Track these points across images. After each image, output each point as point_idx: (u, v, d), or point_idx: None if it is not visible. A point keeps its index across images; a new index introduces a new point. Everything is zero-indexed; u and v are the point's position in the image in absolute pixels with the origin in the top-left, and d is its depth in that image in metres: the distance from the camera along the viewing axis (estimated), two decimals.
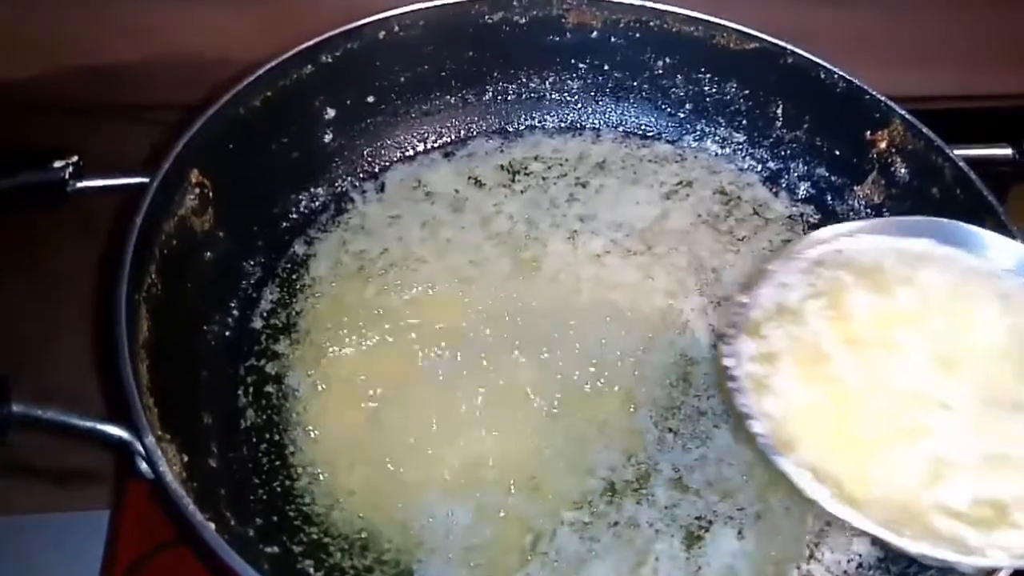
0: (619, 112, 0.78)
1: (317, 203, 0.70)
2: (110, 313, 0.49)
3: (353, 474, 0.55)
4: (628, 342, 0.63)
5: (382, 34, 0.70)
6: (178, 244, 0.58)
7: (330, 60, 0.68)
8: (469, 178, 0.73)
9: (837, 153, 0.72)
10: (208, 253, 0.61)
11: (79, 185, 0.57)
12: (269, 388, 0.59)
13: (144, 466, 0.46)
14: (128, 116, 0.74)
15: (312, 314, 0.63)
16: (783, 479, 0.55)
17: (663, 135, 0.77)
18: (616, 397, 0.60)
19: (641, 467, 0.56)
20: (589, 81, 0.77)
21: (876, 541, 0.53)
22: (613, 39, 0.75)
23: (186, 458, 0.49)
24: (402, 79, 0.73)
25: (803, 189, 0.74)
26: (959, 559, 0.41)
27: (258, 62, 0.64)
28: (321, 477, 0.55)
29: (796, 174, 0.74)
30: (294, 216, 0.69)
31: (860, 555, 0.53)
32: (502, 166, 0.74)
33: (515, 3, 0.72)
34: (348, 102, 0.71)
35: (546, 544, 0.52)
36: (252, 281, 0.64)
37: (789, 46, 0.71)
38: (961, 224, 0.55)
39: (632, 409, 0.59)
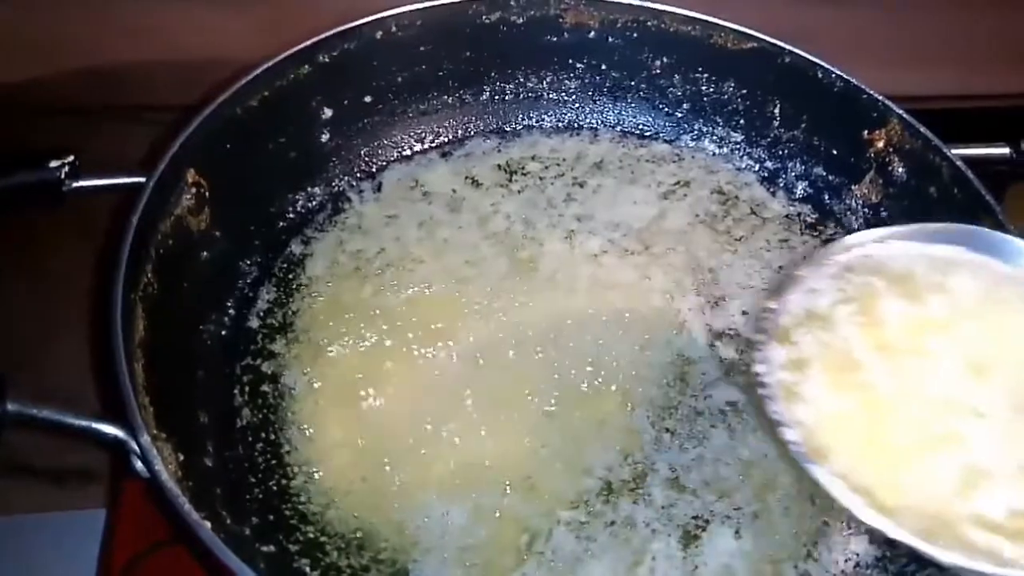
0: (616, 112, 0.78)
1: (314, 203, 0.70)
2: (106, 313, 0.49)
3: (349, 473, 0.55)
4: (625, 342, 0.63)
5: (379, 34, 0.70)
6: (174, 244, 0.58)
7: (327, 60, 0.68)
8: (466, 178, 0.73)
9: (835, 152, 0.72)
10: (204, 253, 0.61)
11: (75, 185, 0.57)
12: (265, 387, 0.59)
13: (139, 465, 0.46)
14: (126, 117, 0.74)
15: (309, 314, 0.63)
16: (780, 480, 0.55)
17: (661, 135, 0.77)
18: (613, 397, 0.60)
19: (638, 467, 0.56)
20: (586, 81, 0.77)
21: (874, 540, 0.54)
22: (610, 39, 0.75)
23: (182, 457, 0.49)
24: (399, 79, 0.73)
25: (801, 189, 0.74)
26: (995, 571, 0.40)
27: (257, 63, 0.64)
28: (317, 476, 0.55)
29: (794, 174, 0.74)
30: (291, 216, 0.69)
31: (858, 554, 0.53)
32: (499, 166, 0.74)
33: (512, 3, 0.72)
34: (345, 102, 0.71)
35: (542, 544, 0.52)
36: (248, 280, 0.64)
37: (787, 46, 0.71)
38: (993, 231, 0.54)
39: (629, 408, 0.59)
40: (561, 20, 0.74)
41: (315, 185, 0.70)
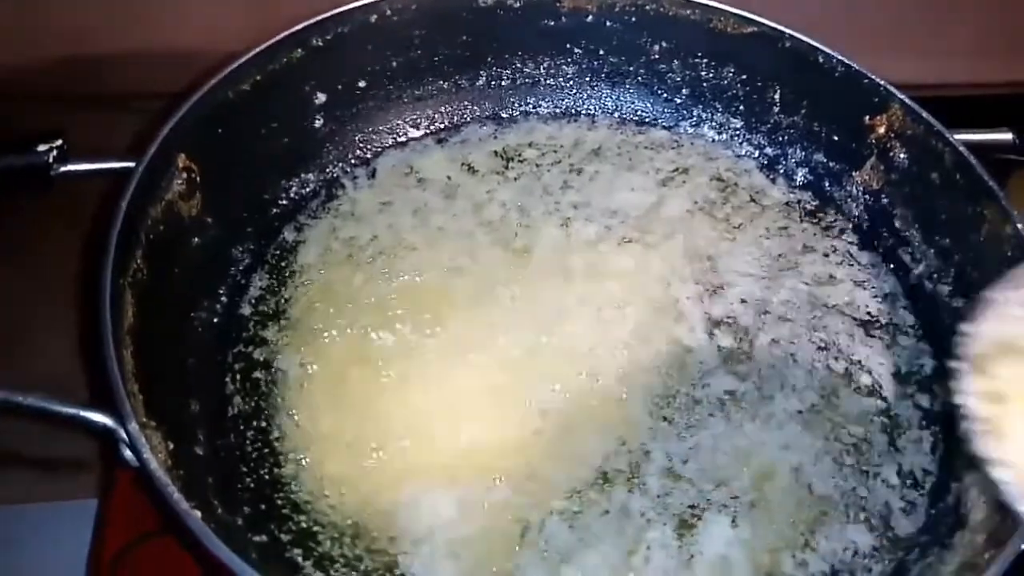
0: (615, 98, 0.77)
1: (307, 189, 0.69)
2: (94, 298, 0.49)
3: (342, 463, 0.54)
4: (622, 330, 0.62)
5: (374, 18, 0.69)
6: (165, 229, 0.57)
7: (320, 44, 0.67)
8: (462, 164, 0.72)
9: (835, 139, 0.71)
10: (196, 239, 0.60)
11: (63, 169, 0.57)
12: (257, 375, 0.58)
13: (128, 453, 0.45)
14: (114, 105, 0.73)
15: (301, 301, 0.62)
16: (778, 469, 0.54)
17: (659, 121, 0.76)
18: (609, 386, 0.59)
19: (634, 456, 0.55)
20: (584, 66, 0.76)
21: (872, 529, 0.53)
22: (609, 23, 0.74)
23: (172, 446, 0.48)
24: (394, 64, 0.72)
25: (801, 175, 0.73)
26: None
27: (247, 50, 0.63)
28: (310, 465, 0.54)
29: (794, 160, 0.73)
30: (284, 202, 0.68)
31: (855, 543, 0.53)
32: (496, 152, 0.73)
33: None
34: (339, 87, 0.70)
35: (536, 534, 0.52)
36: (241, 267, 0.63)
37: (787, 30, 0.70)
38: None
39: (625, 397, 0.58)
40: (559, 4, 0.73)
41: (308, 171, 0.69)
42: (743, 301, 0.64)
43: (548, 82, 0.76)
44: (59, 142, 0.57)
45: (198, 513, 0.43)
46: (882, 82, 0.67)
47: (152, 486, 0.43)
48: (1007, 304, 0.47)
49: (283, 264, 0.64)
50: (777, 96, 0.73)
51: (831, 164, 0.72)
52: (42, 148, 0.56)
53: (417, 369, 0.59)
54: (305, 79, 0.68)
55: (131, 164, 0.56)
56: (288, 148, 0.68)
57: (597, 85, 0.77)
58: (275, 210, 0.67)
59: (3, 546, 0.62)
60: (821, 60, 0.69)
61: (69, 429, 0.47)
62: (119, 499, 0.59)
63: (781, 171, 0.73)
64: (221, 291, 0.61)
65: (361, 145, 0.72)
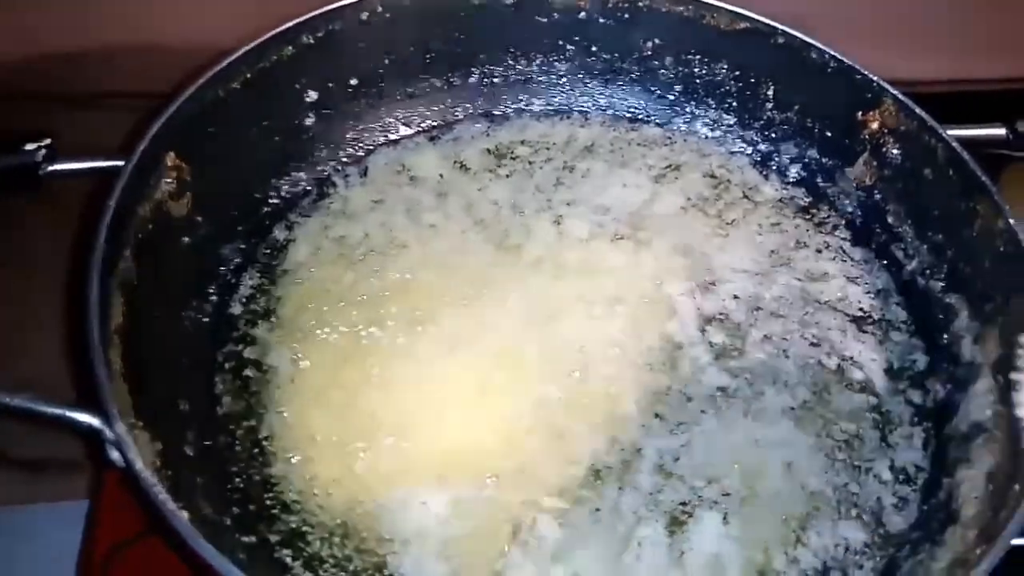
0: (608, 95, 0.77)
1: (299, 187, 0.69)
2: (81, 297, 0.48)
3: (332, 462, 0.54)
4: (614, 327, 0.62)
5: (365, 15, 0.69)
6: (154, 228, 0.57)
7: (312, 41, 0.67)
8: (454, 162, 0.72)
9: (828, 135, 0.71)
10: (186, 238, 0.60)
11: (51, 168, 0.56)
12: (247, 374, 0.58)
13: (115, 454, 0.45)
14: (106, 104, 0.73)
15: (292, 300, 0.62)
16: (769, 465, 0.54)
17: (652, 118, 0.76)
18: (601, 383, 0.59)
19: (625, 453, 0.55)
20: (577, 63, 0.76)
21: (864, 526, 0.53)
22: (601, 20, 0.74)
23: (160, 446, 0.48)
24: (386, 61, 0.72)
25: (794, 172, 0.73)
26: None
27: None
28: (300, 465, 0.54)
29: (787, 156, 0.73)
30: (275, 201, 0.68)
31: (847, 539, 0.53)
32: (488, 150, 0.73)
33: None
34: (331, 85, 0.70)
35: (526, 533, 0.51)
36: (231, 266, 0.63)
37: (780, 26, 0.70)
38: None
39: (617, 394, 0.58)
40: (551, 1, 0.72)
41: (300, 170, 0.69)
42: (735, 297, 0.64)
43: (540, 79, 0.76)
44: (48, 141, 0.57)
45: (185, 514, 0.43)
46: (875, 78, 0.67)
47: (138, 487, 0.43)
48: None
49: (274, 263, 0.64)
50: (770, 92, 0.73)
51: (824, 160, 0.71)
52: (30, 147, 0.56)
53: (408, 367, 0.59)
54: (296, 77, 0.68)
55: (120, 163, 0.56)
56: (279, 146, 0.68)
57: (590, 82, 0.76)
58: (266, 209, 0.67)
59: None
60: (814, 56, 0.69)
61: (56, 430, 0.46)
62: (109, 500, 0.59)
63: (774, 167, 0.73)
64: (211, 290, 0.61)
65: (353, 143, 0.72)
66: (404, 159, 0.72)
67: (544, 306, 0.63)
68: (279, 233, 0.66)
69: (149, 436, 0.48)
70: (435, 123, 0.74)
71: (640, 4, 0.72)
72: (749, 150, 0.74)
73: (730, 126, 0.75)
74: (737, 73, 0.73)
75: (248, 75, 0.64)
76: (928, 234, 0.65)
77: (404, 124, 0.73)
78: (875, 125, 0.68)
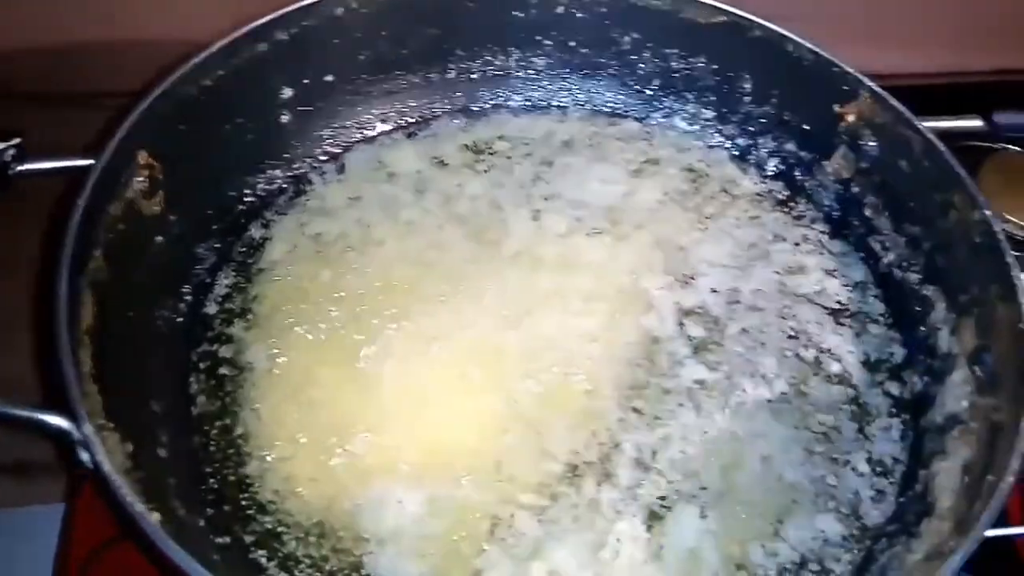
0: (586, 90, 0.76)
1: (274, 185, 0.68)
2: (50, 297, 0.48)
3: (308, 461, 0.54)
4: (592, 322, 0.62)
5: (339, 11, 0.68)
6: (126, 228, 0.56)
7: (286, 38, 0.66)
8: (432, 158, 0.71)
9: (806, 128, 0.71)
10: (159, 237, 0.59)
11: (21, 168, 0.56)
12: (222, 373, 0.57)
13: (85, 456, 0.44)
14: (77, 102, 0.72)
15: (268, 298, 0.62)
16: (747, 458, 0.54)
17: (631, 113, 0.76)
18: (579, 378, 0.59)
19: (603, 448, 0.55)
20: (555, 58, 0.76)
21: (841, 518, 0.53)
22: (579, 14, 0.73)
23: (131, 447, 0.47)
24: (361, 57, 0.71)
25: (772, 165, 0.73)
26: None
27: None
28: (275, 465, 0.53)
29: (765, 150, 0.73)
30: (250, 199, 0.67)
31: (825, 532, 0.53)
32: (466, 146, 0.72)
33: None
34: (306, 81, 0.69)
35: (504, 530, 0.51)
36: (206, 266, 0.62)
37: (757, 19, 0.70)
38: None
39: (595, 389, 0.58)
40: None
41: (275, 167, 0.69)
42: (713, 291, 0.64)
43: (519, 75, 0.76)
44: (17, 141, 0.56)
45: (156, 515, 0.42)
46: (851, 70, 0.67)
47: (107, 489, 0.42)
48: None
49: (250, 261, 0.64)
50: (748, 86, 0.73)
51: (802, 153, 0.72)
52: (0, 147, 0.55)
53: (385, 365, 0.58)
54: (270, 74, 0.67)
55: (91, 162, 0.55)
56: (254, 144, 0.67)
57: (568, 77, 0.76)
58: (241, 207, 0.66)
59: None
60: (791, 49, 0.69)
61: (27, 433, 0.46)
62: (85, 504, 0.58)
63: (752, 161, 0.73)
64: (185, 290, 0.61)
65: (329, 140, 0.71)
66: (381, 155, 0.71)
67: (522, 301, 0.63)
68: (255, 231, 0.65)
69: (119, 437, 0.47)
70: (412, 119, 0.74)
71: None
72: (727, 144, 0.74)
73: (708, 120, 0.74)
74: (715, 67, 0.73)
75: (221, 72, 0.63)
76: (905, 226, 0.65)
77: (381, 120, 0.73)
78: (852, 118, 0.68)
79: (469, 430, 0.56)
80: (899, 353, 0.62)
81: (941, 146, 0.62)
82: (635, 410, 0.57)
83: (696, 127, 0.75)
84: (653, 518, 0.52)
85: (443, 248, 0.65)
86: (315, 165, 0.70)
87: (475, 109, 0.75)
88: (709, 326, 0.62)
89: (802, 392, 0.59)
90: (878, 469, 0.56)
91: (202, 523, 0.49)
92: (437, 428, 0.56)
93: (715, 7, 0.70)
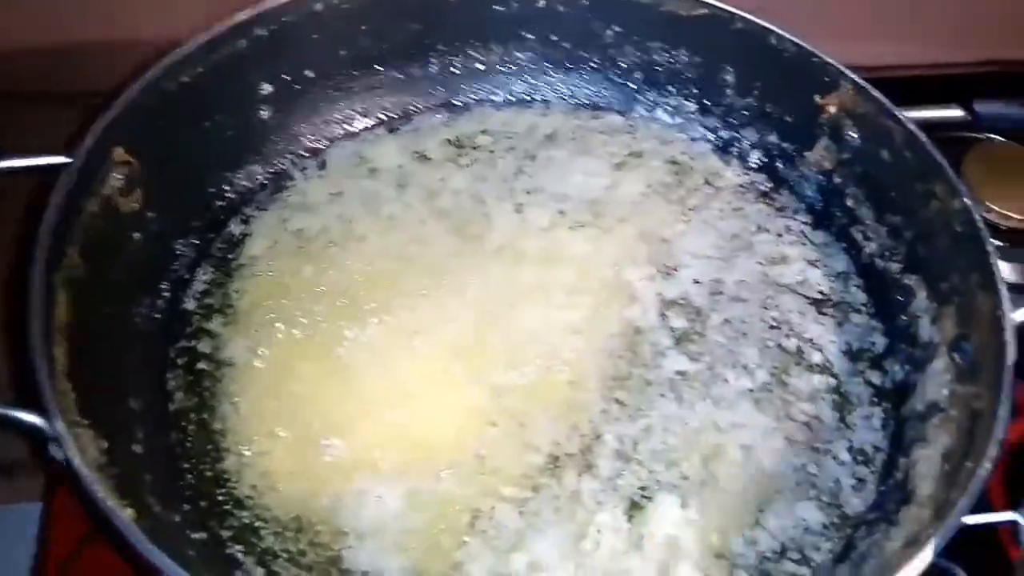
0: (569, 83, 0.76)
1: (255, 182, 0.68)
2: (23, 293, 0.47)
3: (287, 457, 0.53)
4: (574, 314, 0.61)
5: (319, 6, 0.68)
6: (103, 224, 0.56)
7: (265, 34, 0.66)
8: (414, 153, 0.71)
9: (788, 119, 0.71)
10: (136, 234, 0.59)
11: None
12: (201, 369, 0.57)
13: (59, 453, 0.44)
14: (54, 100, 0.72)
15: (248, 294, 0.61)
16: (728, 448, 0.54)
17: (614, 106, 0.76)
18: (562, 370, 0.58)
19: (585, 439, 0.55)
20: (537, 52, 0.75)
21: (821, 506, 0.53)
22: (560, 8, 0.73)
23: (105, 444, 0.47)
24: (342, 53, 0.71)
25: (755, 157, 0.72)
26: None
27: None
28: (254, 460, 0.53)
29: (748, 142, 0.73)
30: (230, 195, 0.67)
31: (805, 521, 0.52)
32: (449, 141, 0.72)
33: None
34: (286, 77, 0.69)
35: (485, 523, 0.51)
36: (185, 262, 0.62)
37: (739, 11, 0.69)
38: None
39: (577, 381, 0.58)
40: None
41: (255, 163, 0.68)
42: (696, 282, 0.64)
43: (501, 69, 0.76)
44: None
45: (129, 511, 0.42)
46: (832, 61, 0.67)
47: (79, 485, 0.42)
48: None
49: (229, 257, 0.63)
50: (730, 78, 0.72)
51: (784, 145, 0.71)
52: None
53: (366, 359, 0.58)
54: (250, 70, 0.67)
55: (67, 160, 0.55)
56: (234, 140, 0.67)
57: (550, 71, 0.76)
58: (221, 203, 0.66)
59: None
60: (772, 41, 0.69)
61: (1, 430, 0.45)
62: (63, 501, 0.58)
63: (735, 153, 0.73)
64: (164, 286, 0.60)
65: (310, 136, 0.71)
66: (363, 151, 0.71)
67: (505, 295, 0.62)
68: (235, 227, 0.65)
69: (94, 434, 0.47)
70: (394, 114, 0.73)
71: None
72: (710, 136, 0.74)
73: (691, 113, 0.74)
74: (697, 60, 0.73)
75: (200, 69, 0.63)
76: (887, 216, 0.65)
77: (363, 116, 0.73)
78: (833, 109, 0.68)
79: (450, 424, 0.55)
80: (880, 342, 0.62)
81: (922, 136, 0.62)
82: (617, 401, 0.57)
83: (679, 120, 0.75)
84: (634, 508, 0.52)
85: (425, 242, 0.65)
86: (296, 161, 0.70)
87: (457, 104, 0.75)
88: (692, 317, 0.62)
89: (783, 382, 0.59)
90: (859, 458, 0.56)
91: (178, 519, 0.49)
92: (418, 422, 0.55)
93: (697, 0, 0.70)
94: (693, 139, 0.74)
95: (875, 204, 0.66)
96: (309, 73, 0.70)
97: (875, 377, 0.60)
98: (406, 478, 0.52)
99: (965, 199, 0.58)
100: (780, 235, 0.68)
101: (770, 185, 0.71)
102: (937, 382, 0.56)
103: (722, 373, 0.59)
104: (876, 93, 0.65)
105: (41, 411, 0.44)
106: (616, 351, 0.60)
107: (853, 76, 0.66)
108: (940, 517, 0.45)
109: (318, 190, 0.68)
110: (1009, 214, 0.75)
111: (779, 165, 0.72)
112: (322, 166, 0.70)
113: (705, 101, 0.74)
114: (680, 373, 0.59)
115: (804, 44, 0.68)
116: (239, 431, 0.54)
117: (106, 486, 0.42)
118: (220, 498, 0.51)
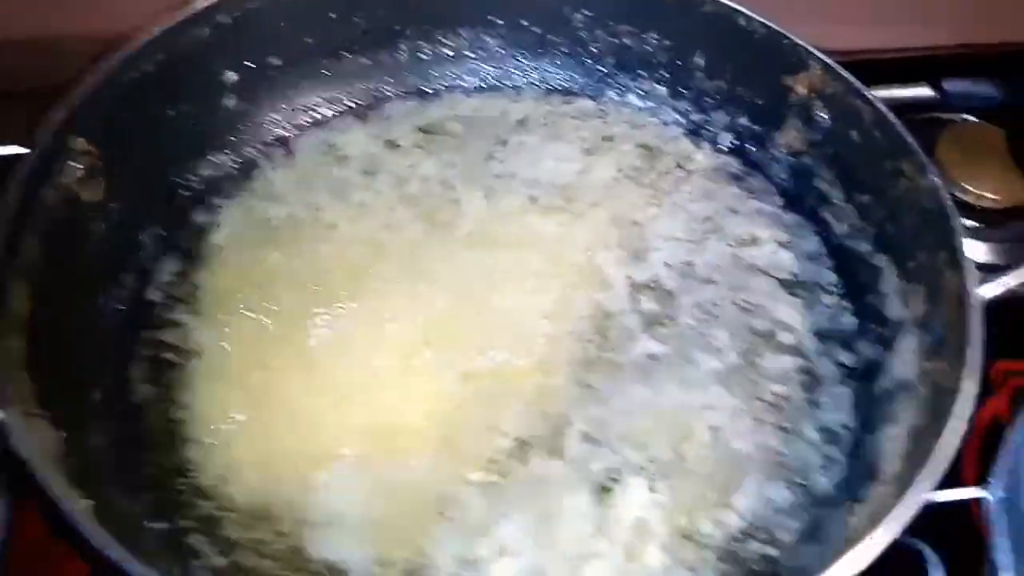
0: (540, 69, 0.76)
1: (221, 171, 0.67)
2: None
3: (252, 446, 0.53)
4: (545, 299, 0.61)
5: None
6: (63, 215, 0.55)
7: (229, 21, 0.65)
8: (384, 140, 0.71)
9: (759, 102, 0.71)
10: (99, 224, 0.58)
11: None
12: (166, 359, 0.56)
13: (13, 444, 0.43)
14: (24, 95, 0.70)
15: (214, 284, 0.61)
16: (696, 429, 0.54)
17: (585, 91, 0.75)
18: (531, 355, 0.58)
19: (553, 423, 0.55)
20: (507, 38, 0.75)
21: (789, 486, 0.53)
22: None
23: (64, 435, 0.46)
24: (308, 40, 0.70)
25: (726, 140, 0.72)
26: None
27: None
28: (218, 450, 0.53)
29: (719, 125, 0.73)
30: (196, 185, 0.66)
31: (773, 500, 0.52)
32: (419, 127, 0.72)
33: None
34: (251, 65, 0.68)
35: (451, 509, 0.51)
36: (150, 252, 0.61)
37: None
38: None
39: (547, 366, 0.58)
40: None
41: (222, 152, 0.67)
42: (667, 265, 0.64)
43: (471, 55, 0.75)
44: None
45: (84, 501, 0.41)
46: (800, 42, 0.66)
47: (31, 475, 0.41)
48: None
49: (195, 248, 0.63)
50: (701, 61, 0.72)
51: (755, 127, 0.71)
52: None
53: (334, 347, 0.58)
54: (213, 58, 0.66)
55: (25, 150, 0.54)
56: (198, 130, 0.66)
57: (521, 56, 0.76)
58: (186, 193, 0.65)
59: None
60: (742, 23, 0.68)
61: None
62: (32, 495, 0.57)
63: (706, 136, 0.73)
64: (128, 277, 0.59)
65: (277, 124, 0.70)
66: (331, 139, 0.70)
67: (475, 281, 0.62)
68: (200, 217, 0.64)
69: (52, 425, 0.46)
70: (363, 102, 0.73)
71: None
72: (682, 120, 0.74)
73: (662, 97, 0.74)
74: (667, 43, 0.73)
75: (162, 57, 0.62)
76: (856, 196, 0.65)
77: (331, 103, 0.72)
78: (803, 90, 0.68)
79: (418, 410, 0.55)
80: (850, 322, 0.62)
81: (891, 115, 0.62)
82: (586, 385, 0.57)
83: (650, 104, 0.74)
84: (602, 492, 0.52)
85: (395, 230, 0.65)
86: (263, 150, 0.69)
87: (427, 90, 0.74)
88: (663, 300, 0.62)
89: (753, 363, 0.59)
90: (827, 437, 0.56)
91: (138, 509, 0.48)
92: (386, 409, 0.55)
93: None
94: (664, 123, 0.74)
95: (845, 184, 0.66)
96: (275, 60, 0.69)
97: (845, 357, 0.60)
98: (372, 466, 0.52)
99: (932, 177, 0.58)
100: (751, 217, 0.68)
101: (741, 167, 0.71)
102: (905, 360, 0.56)
103: (692, 355, 0.58)
104: (845, 73, 0.65)
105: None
106: (586, 335, 0.59)
107: (822, 56, 0.66)
108: (902, 494, 0.44)
109: (286, 179, 0.68)
110: (984, 194, 0.75)
111: (750, 147, 0.71)
112: (290, 155, 0.69)
113: (676, 85, 0.74)
114: (650, 356, 0.58)
115: (773, 25, 0.67)
116: (203, 421, 0.54)
117: (59, 477, 0.41)
118: (182, 488, 0.51)
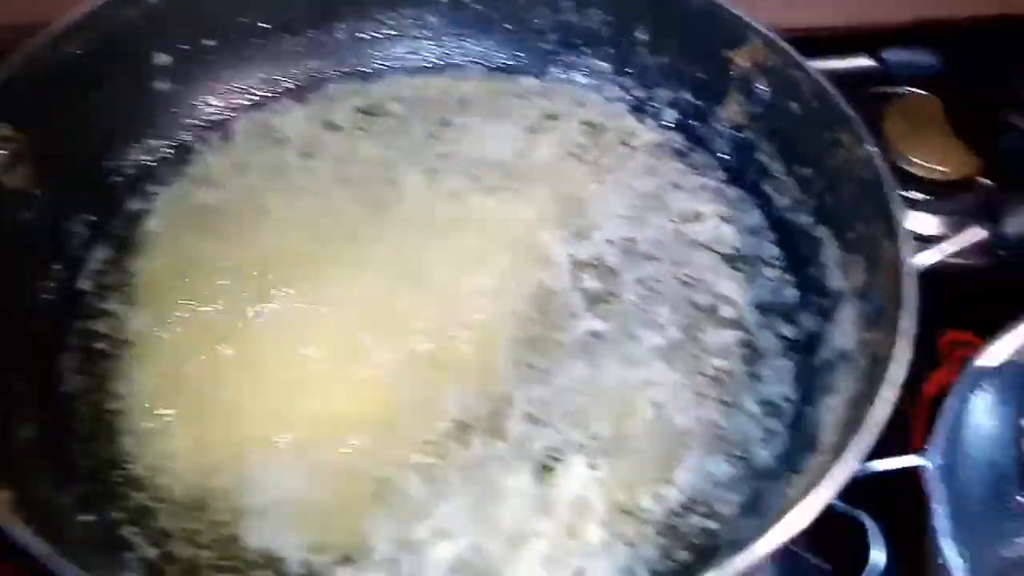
0: (482, 47, 0.75)
1: (155, 156, 0.66)
2: None
3: (186, 435, 0.52)
4: (485, 278, 0.60)
5: None
6: None
7: (161, 2, 0.64)
8: (323, 122, 0.69)
9: (701, 76, 0.70)
10: (22, 213, 0.56)
11: None
12: (97, 350, 0.55)
13: None
14: None
15: (148, 272, 0.59)
16: (638, 405, 0.54)
17: (529, 69, 0.75)
18: (471, 335, 0.57)
19: (493, 403, 0.54)
20: (449, 17, 0.74)
21: (730, 459, 0.53)
22: None
23: None
24: (242, 20, 0.69)
25: (669, 116, 0.72)
26: None
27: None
28: (150, 440, 0.52)
29: (662, 100, 0.72)
30: (128, 170, 0.64)
31: (714, 474, 0.52)
32: (359, 109, 0.71)
33: None
34: (184, 47, 0.67)
35: (389, 492, 0.50)
36: (80, 240, 0.60)
37: None
38: None
39: (487, 346, 0.57)
40: None
41: (155, 137, 0.66)
42: (609, 242, 0.63)
43: (413, 34, 0.74)
44: None
45: (5, 493, 0.40)
46: (741, 14, 0.66)
47: None
48: None
49: (128, 235, 0.61)
50: (643, 37, 0.72)
51: (698, 102, 0.71)
52: None
53: (271, 333, 0.57)
54: (143, 40, 0.64)
55: None
56: (130, 114, 0.65)
57: (462, 35, 0.75)
58: (118, 179, 0.64)
59: None
60: None
61: None
62: None
63: (650, 112, 0.72)
64: (57, 266, 0.58)
65: (213, 107, 0.69)
66: (269, 121, 0.69)
67: (415, 262, 0.61)
68: (133, 204, 0.63)
69: None
70: (302, 83, 0.71)
71: None
72: (626, 96, 0.73)
73: (606, 73, 0.74)
74: (610, 19, 0.72)
75: (89, 39, 0.61)
76: (797, 169, 0.65)
77: (268, 85, 0.71)
78: (743, 63, 0.67)
79: (356, 395, 0.54)
80: (792, 295, 0.62)
81: (829, 85, 0.62)
82: (528, 365, 0.56)
83: (594, 81, 0.74)
84: (543, 471, 0.52)
85: (334, 213, 0.64)
86: (199, 134, 0.68)
87: (367, 71, 0.73)
88: (605, 277, 0.61)
89: (695, 338, 0.59)
90: (768, 410, 0.56)
91: (68, 501, 0.47)
92: (323, 394, 0.54)
93: None
94: (608, 99, 0.73)
95: (786, 157, 0.66)
96: (208, 42, 0.68)
97: (786, 330, 0.60)
98: (308, 452, 0.51)
99: (868, 146, 0.58)
100: (694, 192, 0.67)
101: (685, 143, 0.71)
102: (845, 331, 0.56)
103: (634, 332, 0.58)
104: (784, 45, 0.65)
105: None
106: (527, 314, 0.59)
107: (761, 28, 0.66)
108: (836, 462, 0.45)
109: (222, 163, 0.66)
110: (932, 166, 0.75)
111: (693, 123, 0.71)
112: (226, 138, 0.68)
113: (619, 61, 0.73)
114: (592, 333, 0.58)
115: None
116: (136, 411, 0.53)
117: None
118: (115, 479, 0.50)
